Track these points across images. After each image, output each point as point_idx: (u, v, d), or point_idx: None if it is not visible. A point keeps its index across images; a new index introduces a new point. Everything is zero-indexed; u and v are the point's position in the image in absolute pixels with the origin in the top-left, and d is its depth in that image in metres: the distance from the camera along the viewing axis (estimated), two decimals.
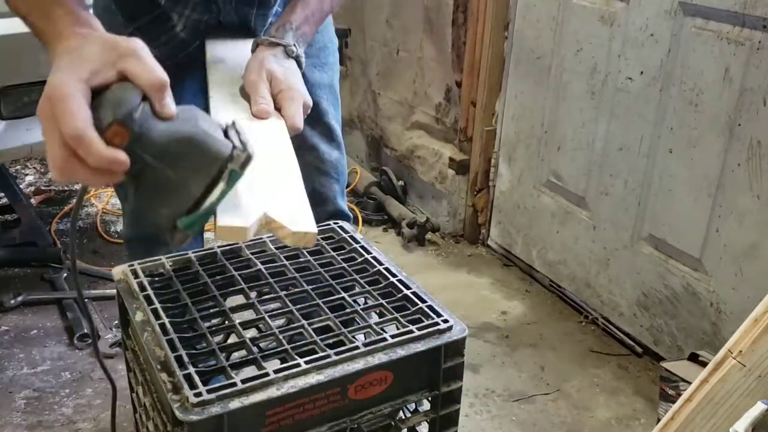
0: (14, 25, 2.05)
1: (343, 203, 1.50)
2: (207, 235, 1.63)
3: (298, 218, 0.87)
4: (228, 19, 1.24)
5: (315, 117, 1.35)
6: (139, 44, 0.76)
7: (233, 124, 0.80)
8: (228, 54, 1.19)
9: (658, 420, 1.41)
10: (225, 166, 0.74)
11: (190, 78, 1.30)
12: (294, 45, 1.11)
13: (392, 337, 0.92)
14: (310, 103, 1.09)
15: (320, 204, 1.45)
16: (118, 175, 0.73)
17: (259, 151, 0.80)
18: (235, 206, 0.81)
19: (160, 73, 0.75)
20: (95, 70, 0.73)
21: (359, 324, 0.98)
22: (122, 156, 0.71)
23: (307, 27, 1.17)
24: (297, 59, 1.12)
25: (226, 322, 0.97)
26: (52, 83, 0.71)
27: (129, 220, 1.44)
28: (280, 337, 0.93)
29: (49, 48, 0.80)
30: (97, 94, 0.72)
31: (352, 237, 1.20)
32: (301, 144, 1.33)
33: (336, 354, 0.88)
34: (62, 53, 0.76)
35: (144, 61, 0.75)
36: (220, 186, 0.74)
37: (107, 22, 1.26)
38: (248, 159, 0.75)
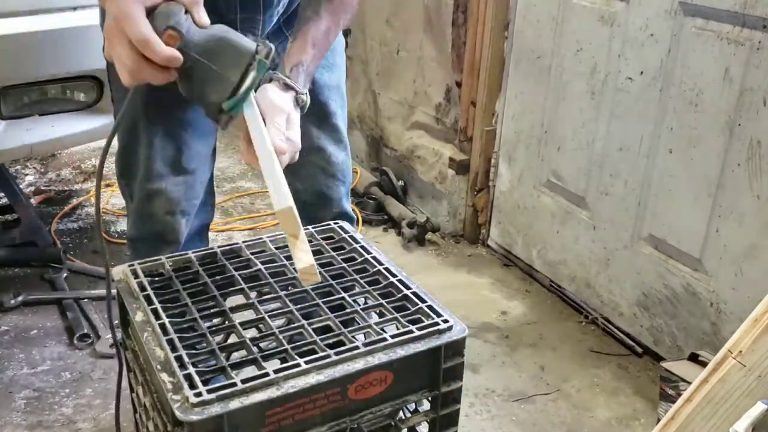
0: (14, 25, 2.06)
1: (348, 205, 1.50)
2: (210, 235, 1.63)
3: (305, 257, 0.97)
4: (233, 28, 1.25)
5: (323, 118, 1.35)
6: None
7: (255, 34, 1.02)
8: None
9: (658, 420, 1.41)
10: (254, 57, 0.94)
11: None
12: (305, 94, 1.14)
13: (392, 337, 0.92)
14: (296, 159, 1.12)
15: (325, 206, 1.45)
16: (173, 72, 0.93)
17: None
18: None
19: None
20: None
21: (359, 324, 0.98)
22: (177, 54, 0.91)
23: (314, 65, 1.20)
24: (303, 108, 1.14)
25: (226, 322, 0.97)
26: (117, 6, 0.90)
27: (133, 219, 1.44)
28: (280, 337, 0.93)
29: None
30: (149, 13, 0.91)
31: (352, 237, 1.20)
32: (308, 145, 1.32)
33: (336, 354, 0.88)
34: None
35: None
36: (252, 74, 0.95)
37: None
38: (270, 50, 0.95)
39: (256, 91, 1.00)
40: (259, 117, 1.00)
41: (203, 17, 0.95)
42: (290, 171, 1.30)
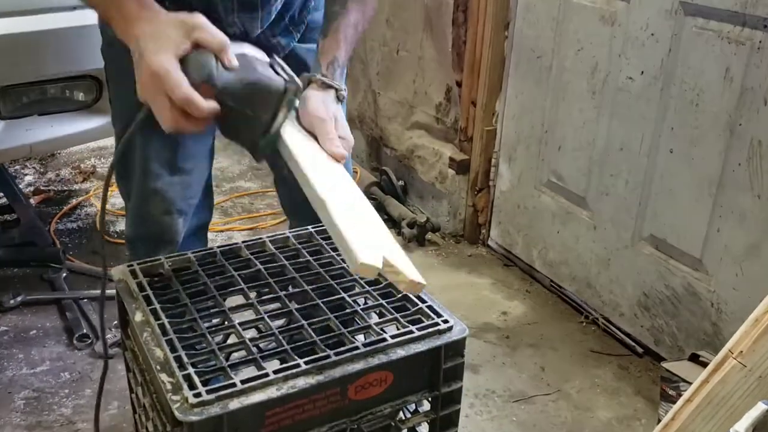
0: (14, 25, 2.06)
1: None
2: (210, 235, 1.63)
3: (409, 268, 0.97)
4: (231, 30, 1.24)
5: None
6: (201, 18, 0.97)
7: (274, 58, 1.04)
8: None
9: (659, 420, 1.40)
10: (283, 97, 0.99)
11: None
12: (344, 89, 1.17)
13: (392, 337, 0.92)
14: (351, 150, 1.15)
15: None
16: (211, 120, 0.96)
17: (351, 192, 1.03)
18: (365, 244, 0.93)
19: (223, 37, 0.97)
20: (177, 45, 0.95)
21: (359, 324, 0.98)
22: (216, 105, 0.95)
23: (347, 59, 1.22)
24: (343, 101, 1.17)
25: (226, 322, 0.97)
26: (152, 62, 0.93)
27: (131, 219, 1.44)
28: (280, 337, 0.93)
29: (119, 30, 1.00)
30: (180, 63, 0.94)
31: None
32: None
33: (336, 354, 0.88)
34: (143, 38, 0.96)
35: (210, 30, 0.97)
36: (283, 111, 1.00)
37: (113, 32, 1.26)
38: (299, 88, 1.01)
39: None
40: (296, 154, 1.02)
41: (233, 61, 0.98)
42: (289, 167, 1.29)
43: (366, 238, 0.94)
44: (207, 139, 1.42)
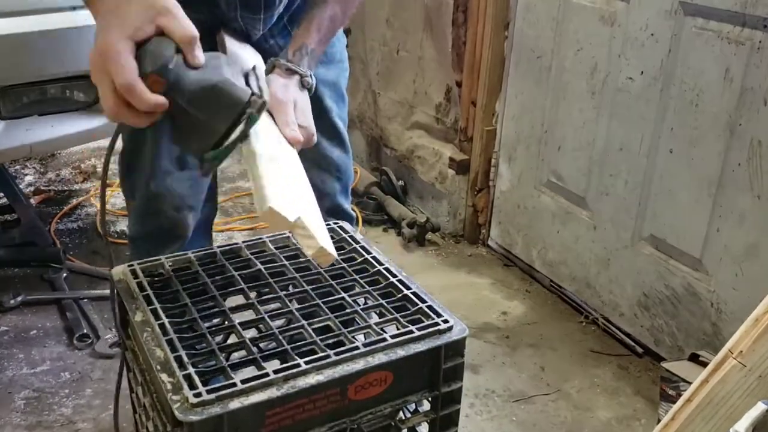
0: (14, 25, 2.06)
1: (345, 202, 1.48)
2: (214, 235, 1.63)
3: (325, 238, 0.93)
4: (232, 26, 1.24)
5: (317, 114, 1.32)
6: (172, 2, 0.87)
7: (254, 68, 0.93)
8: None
9: (659, 420, 1.41)
10: (244, 110, 0.86)
11: None
12: (310, 76, 1.14)
13: (392, 337, 0.92)
14: (314, 140, 1.12)
15: (319, 199, 1.43)
16: (156, 116, 0.87)
17: (291, 164, 0.94)
18: (283, 196, 0.88)
19: (192, 29, 0.87)
20: (137, 27, 0.85)
21: (359, 324, 0.98)
22: (162, 100, 0.84)
23: (320, 48, 1.19)
24: (310, 89, 1.15)
25: (226, 322, 0.97)
26: (103, 40, 0.84)
27: (134, 218, 1.44)
28: (280, 337, 0.93)
29: (89, 5, 0.91)
30: (139, 46, 0.84)
31: (352, 237, 1.20)
32: None
33: (336, 354, 0.88)
34: (105, 13, 0.87)
35: (178, 18, 0.87)
36: (240, 126, 0.87)
37: None
38: (264, 104, 0.88)
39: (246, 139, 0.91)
40: (256, 149, 0.93)
41: (197, 57, 0.87)
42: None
43: (286, 193, 0.90)
44: None
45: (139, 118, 0.86)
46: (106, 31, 0.85)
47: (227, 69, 0.88)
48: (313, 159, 1.37)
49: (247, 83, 0.90)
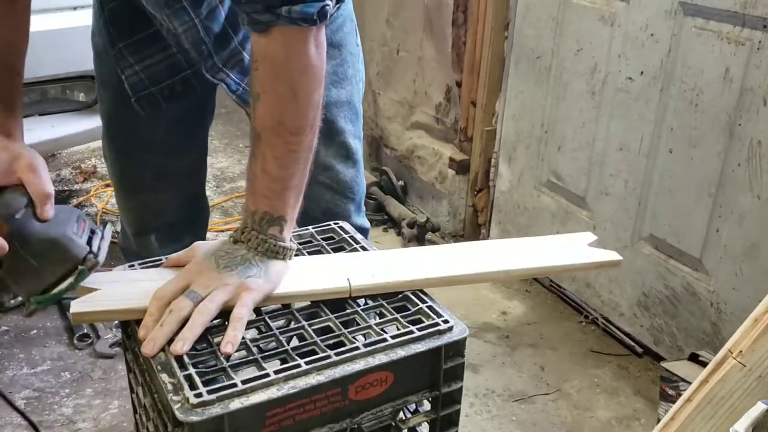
0: None
1: (358, 217, 1.42)
2: (210, 235, 1.63)
3: None
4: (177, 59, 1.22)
5: (330, 135, 1.29)
6: (39, 161, 0.96)
7: (104, 227, 1.01)
8: None
9: (659, 420, 1.40)
10: (76, 266, 0.93)
11: (177, 107, 1.28)
12: (284, 246, 1.00)
13: (392, 337, 0.92)
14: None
15: (331, 221, 1.42)
16: None
17: None
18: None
19: (49, 188, 0.95)
20: (2, 172, 0.93)
21: (359, 325, 0.98)
22: (3, 243, 0.87)
23: (266, 202, 0.98)
24: (283, 256, 1.00)
25: (227, 322, 0.97)
26: None
27: (124, 231, 1.47)
28: (281, 337, 0.93)
29: None
30: None
31: (352, 237, 1.20)
32: (315, 162, 1.30)
33: (336, 354, 0.88)
34: None
35: (39, 176, 0.94)
36: (70, 280, 0.94)
37: (100, 43, 1.25)
38: (96, 264, 0.95)
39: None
40: None
41: (46, 212, 0.93)
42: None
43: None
44: (179, 159, 1.38)
45: None
46: None
47: (72, 226, 0.96)
48: (325, 183, 1.33)
49: (90, 241, 0.97)
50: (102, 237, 0.99)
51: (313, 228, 1.23)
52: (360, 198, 1.43)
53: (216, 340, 0.92)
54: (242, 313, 0.92)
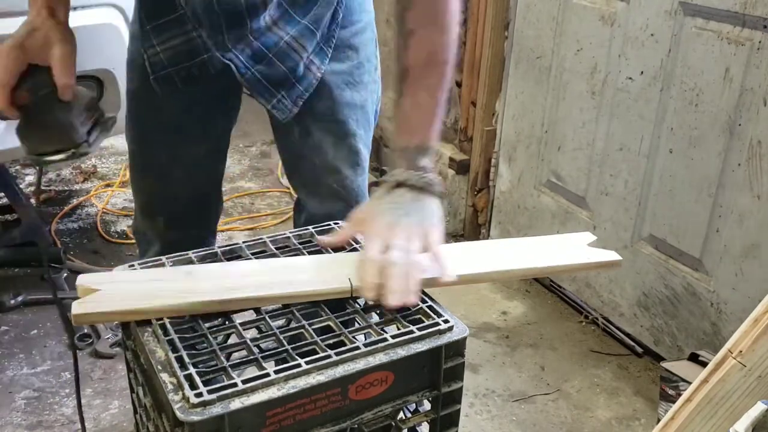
0: (15, 25, 2.05)
1: None
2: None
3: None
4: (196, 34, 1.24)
5: (340, 136, 1.29)
6: (67, 50, 1.08)
7: (108, 122, 1.18)
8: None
9: (658, 420, 1.41)
10: (70, 147, 1.09)
11: (194, 91, 1.29)
12: (426, 179, 1.04)
13: (393, 337, 0.92)
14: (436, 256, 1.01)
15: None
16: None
17: None
18: None
19: (70, 78, 1.08)
20: (38, 53, 1.06)
21: (360, 324, 0.98)
22: (8, 112, 1.06)
23: (425, 134, 1.06)
24: (441, 197, 1.05)
25: (227, 322, 0.97)
26: (3, 46, 1.02)
27: (136, 213, 1.48)
28: (281, 337, 0.93)
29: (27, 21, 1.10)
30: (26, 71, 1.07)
31: (352, 237, 1.19)
32: (323, 164, 1.29)
33: (336, 354, 0.88)
34: (26, 26, 1.08)
35: (66, 66, 1.07)
36: (61, 155, 1.10)
37: (135, 27, 1.29)
38: (86, 153, 1.12)
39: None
40: None
41: (65, 96, 1.07)
42: (308, 191, 1.28)
43: None
44: (196, 146, 1.38)
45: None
46: (14, 39, 1.05)
47: (80, 115, 1.12)
48: (332, 186, 1.32)
49: (90, 131, 1.14)
50: (101, 131, 1.16)
51: (313, 228, 1.23)
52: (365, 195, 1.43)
53: (216, 340, 0.92)
54: (440, 250, 1.00)
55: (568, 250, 1.18)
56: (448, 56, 1.07)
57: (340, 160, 1.32)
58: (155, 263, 1.09)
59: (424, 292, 1.04)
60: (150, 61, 1.27)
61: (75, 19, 2.08)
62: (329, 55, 1.28)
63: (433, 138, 1.08)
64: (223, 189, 3.11)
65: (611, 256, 1.17)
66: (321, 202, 1.34)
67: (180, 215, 1.42)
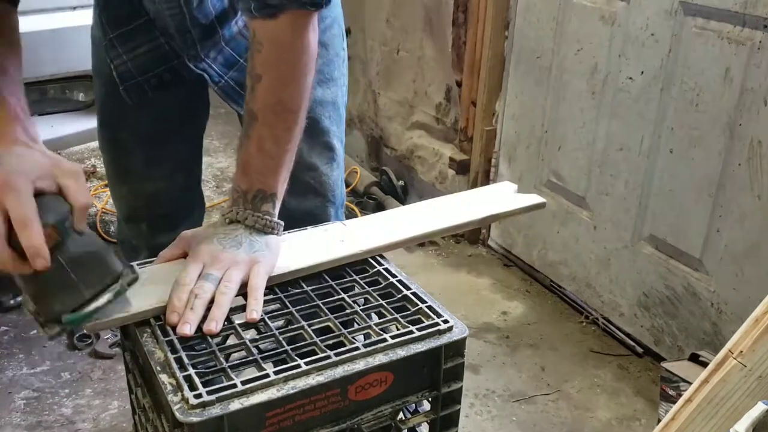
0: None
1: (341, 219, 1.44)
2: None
3: None
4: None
5: (314, 135, 1.29)
6: (79, 168, 0.89)
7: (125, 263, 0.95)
8: None
9: (659, 420, 1.40)
10: (116, 279, 0.89)
11: (164, 97, 1.29)
12: (270, 221, 1.03)
13: (392, 337, 0.92)
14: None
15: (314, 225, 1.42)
16: (28, 268, 0.81)
17: None
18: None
19: (89, 198, 0.88)
20: (41, 177, 0.84)
21: (359, 325, 0.98)
22: (47, 252, 0.81)
23: (260, 180, 1.03)
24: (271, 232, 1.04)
25: (226, 323, 0.97)
26: (4, 176, 0.81)
27: (119, 221, 1.48)
28: (280, 338, 0.93)
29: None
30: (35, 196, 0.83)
31: None
32: (299, 161, 1.29)
33: (336, 355, 0.88)
34: (10, 154, 0.86)
35: (81, 184, 0.87)
36: (107, 295, 0.89)
37: (96, 34, 1.26)
38: (135, 279, 0.91)
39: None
40: None
41: (83, 225, 0.88)
42: (286, 189, 1.28)
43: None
44: (172, 150, 1.39)
45: (15, 263, 0.81)
46: (8, 169, 0.83)
47: (106, 248, 0.91)
48: (310, 183, 1.33)
49: (119, 258, 0.94)
50: (124, 261, 0.95)
51: (312, 228, 1.23)
52: (341, 202, 1.43)
53: (215, 341, 0.92)
54: (259, 283, 0.97)
55: (494, 200, 1.25)
56: (299, 103, 1.03)
57: (315, 157, 1.32)
58: (146, 262, 1.09)
59: (423, 293, 1.04)
60: (117, 71, 1.25)
61: (75, 19, 2.09)
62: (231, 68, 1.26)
63: (278, 187, 1.04)
64: (224, 189, 3.12)
65: (535, 199, 1.26)
66: (298, 199, 1.34)
67: (163, 220, 1.42)
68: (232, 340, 0.95)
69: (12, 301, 2.20)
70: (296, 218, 1.26)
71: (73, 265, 0.86)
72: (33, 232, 0.79)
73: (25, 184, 0.81)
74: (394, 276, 1.07)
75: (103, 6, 1.24)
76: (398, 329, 0.96)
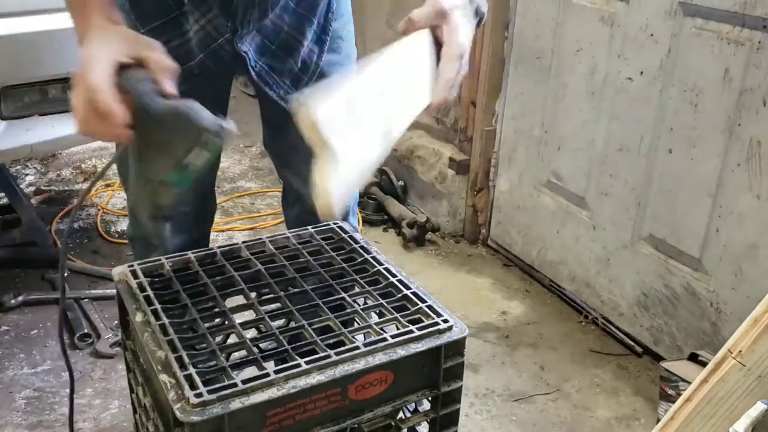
0: (14, 25, 2.06)
1: (353, 219, 1.46)
2: (211, 235, 1.63)
3: (337, 195, 0.92)
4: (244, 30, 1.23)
5: None
6: (155, 42, 0.94)
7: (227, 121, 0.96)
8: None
9: (658, 420, 1.41)
10: (202, 132, 0.90)
11: (188, 93, 1.30)
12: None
13: (392, 337, 0.92)
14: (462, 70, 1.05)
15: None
16: (125, 134, 0.89)
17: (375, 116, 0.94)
18: (336, 127, 0.90)
19: (170, 61, 0.93)
20: (121, 51, 0.91)
21: (359, 324, 0.98)
22: (121, 112, 0.87)
23: None
24: (480, 21, 1.10)
25: (226, 322, 0.97)
26: (86, 53, 0.90)
27: (129, 219, 1.46)
28: (281, 337, 0.93)
29: (82, 35, 0.95)
30: (119, 73, 0.90)
31: (351, 237, 1.20)
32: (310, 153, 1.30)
33: (336, 354, 0.88)
34: (95, 34, 0.93)
35: (159, 53, 0.93)
36: (197, 150, 0.91)
37: (129, 21, 1.27)
38: (223, 132, 0.91)
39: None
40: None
41: (169, 87, 0.92)
42: (304, 181, 1.27)
43: (338, 123, 0.90)
44: None
45: (108, 129, 0.88)
46: (90, 47, 0.91)
47: (194, 103, 0.92)
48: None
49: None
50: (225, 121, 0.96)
51: (312, 228, 1.23)
52: (354, 200, 1.44)
53: (216, 340, 0.92)
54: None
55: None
56: None
57: None
58: (155, 263, 1.09)
59: (423, 293, 1.04)
60: None
61: None
62: (327, 45, 1.30)
63: None
64: (224, 189, 3.12)
65: None
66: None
67: (184, 220, 1.42)
68: (232, 340, 0.95)
69: (12, 301, 2.20)
70: (312, 214, 1.27)
71: (159, 125, 0.90)
72: (102, 94, 0.86)
73: (101, 57, 0.89)
74: (394, 275, 1.07)
75: (133, 1, 1.24)
76: (398, 329, 0.96)
